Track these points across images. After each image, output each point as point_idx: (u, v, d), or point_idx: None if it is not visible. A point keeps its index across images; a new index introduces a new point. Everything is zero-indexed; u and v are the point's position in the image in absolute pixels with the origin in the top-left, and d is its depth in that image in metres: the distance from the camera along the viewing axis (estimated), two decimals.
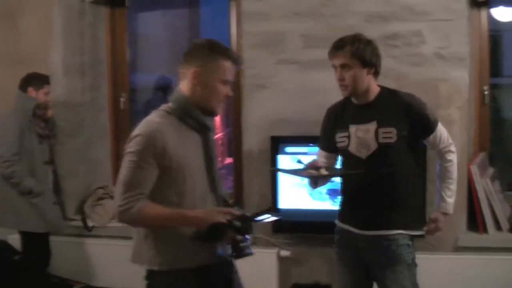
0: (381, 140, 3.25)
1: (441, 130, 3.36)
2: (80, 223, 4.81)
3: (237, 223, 2.68)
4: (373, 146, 3.26)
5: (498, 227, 4.30)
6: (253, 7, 4.36)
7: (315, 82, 4.22)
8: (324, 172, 3.20)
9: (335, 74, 3.28)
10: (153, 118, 2.77)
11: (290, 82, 4.30)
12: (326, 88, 4.21)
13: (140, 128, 2.71)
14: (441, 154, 3.38)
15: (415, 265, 3.35)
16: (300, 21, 4.30)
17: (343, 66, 3.22)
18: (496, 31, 5.55)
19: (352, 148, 3.30)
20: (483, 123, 4.60)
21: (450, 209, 3.31)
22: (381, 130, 3.25)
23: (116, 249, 4.65)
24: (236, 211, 2.76)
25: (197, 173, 2.79)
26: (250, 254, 2.79)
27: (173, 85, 5.92)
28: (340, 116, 3.39)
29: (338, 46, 3.24)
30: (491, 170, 4.46)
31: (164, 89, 5.97)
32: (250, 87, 4.40)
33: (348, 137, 3.31)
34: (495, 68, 5.49)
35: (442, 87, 4.10)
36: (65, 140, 4.93)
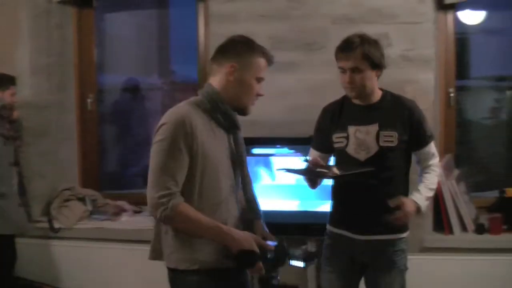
0: (382, 143, 3.26)
1: (433, 148, 3.38)
2: (46, 225, 4.76)
3: (271, 256, 2.66)
4: (374, 148, 3.27)
5: (463, 228, 4.34)
6: (221, 9, 4.35)
7: (282, 84, 4.20)
8: (336, 171, 3.14)
9: (342, 76, 3.25)
10: (181, 106, 2.71)
11: None
12: (293, 90, 4.23)
13: (166, 117, 2.64)
14: (426, 168, 3.38)
15: (406, 269, 3.40)
16: (268, 23, 4.29)
17: (354, 69, 3.21)
18: (464, 34, 5.59)
19: (351, 150, 3.29)
20: (449, 125, 4.65)
21: (422, 202, 3.23)
22: (383, 133, 3.27)
23: (82, 251, 4.62)
24: (270, 245, 2.70)
25: (223, 172, 2.73)
26: (276, 286, 2.81)
27: (141, 85, 5.91)
28: (338, 116, 3.38)
29: (348, 48, 3.21)
30: (456, 172, 4.50)
31: (132, 90, 5.94)
32: None
33: (347, 137, 3.30)
34: (463, 70, 5.53)
35: (408, 89, 4.12)
36: (31, 141, 4.87)
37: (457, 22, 4.88)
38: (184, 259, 2.67)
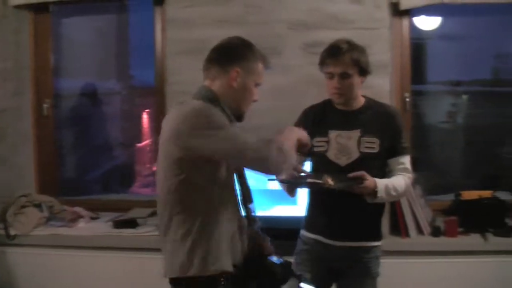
0: (363, 150, 3.27)
1: (408, 162, 3.38)
2: (2, 232, 4.70)
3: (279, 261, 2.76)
4: (355, 154, 3.28)
5: (420, 231, 4.38)
6: (178, 14, 4.34)
7: None
8: (330, 182, 3.10)
9: (329, 82, 3.27)
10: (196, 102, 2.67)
11: None
12: None
13: (191, 108, 2.61)
14: (397, 173, 3.35)
15: (378, 275, 3.43)
16: (225, 29, 4.27)
17: (342, 75, 3.22)
18: (421, 39, 5.66)
19: (331, 154, 3.29)
20: (405, 129, 4.66)
21: (381, 187, 3.17)
22: (364, 139, 3.29)
23: (39, 258, 4.56)
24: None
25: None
26: None
27: (99, 90, 5.88)
28: (319, 119, 3.38)
29: (337, 53, 3.22)
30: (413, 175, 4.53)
31: (90, 94, 5.91)
32: (174, 94, 4.36)
33: (327, 142, 3.30)
34: (420, 75, 5.60)
35: (364, 94, 4.14)
36: None
37: (414, 28, 4.93)
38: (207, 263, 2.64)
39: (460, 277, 4.27)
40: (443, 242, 4.33)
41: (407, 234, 4.35)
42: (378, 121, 3.34)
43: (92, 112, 6.08)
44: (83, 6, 5.16)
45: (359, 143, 3.28)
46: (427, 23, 5.32)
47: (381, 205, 3.44)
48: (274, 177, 3.17)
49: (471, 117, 6.18)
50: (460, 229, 4.42)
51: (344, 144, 3.27)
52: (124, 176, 6.75)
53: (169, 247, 2.70)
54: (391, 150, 3.34)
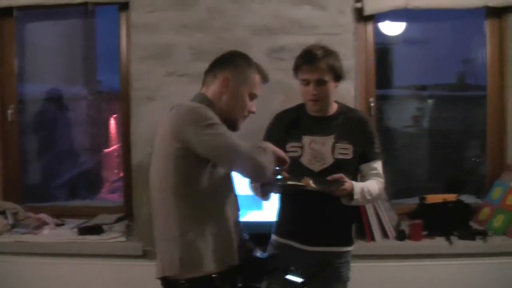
0: (338, 156, 3.28)
1: (380, 168, 3.41)
2: None
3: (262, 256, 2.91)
4: (329, 160, 3.29)
5: (385, 234, 4.40)
6: (142, 19, 4.31)
7: None
8: (312, 184, 3.11)
9: (305, 88, 3.28)
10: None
11: (179, 95, 4.24)
12: None
13: (187, 106, 2.67)
14: (370, 178, 3.37)
15: (349, 279, 3.45)
16: (189, 34, 4.28)
17: (319, 82, 3.23)
18: (386, 44, 5.71)
19: (305, 160, 3.30)
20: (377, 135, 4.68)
21: (357, 190, 3.19)
22: (338, 145, 3.30)
23: (3, 265, 4.47)
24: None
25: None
26: None
27: (65, 95, 5.84)
28: (293, 124, 3.37)
29: (313, 60, 3.22)
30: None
31: (55, 100, 5.87)
32: (138, 99, 4.34)
33: (301, 148, 3.30)
34: (385, 80, 5.64)
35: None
36: None
37: (380, 33, 4.97)
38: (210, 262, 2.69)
39: (425, 280, 4.32)
40: (408, 245, 4.36)
41: (372, 238, 4.36)
42: (351, 127, 3.36)
43: (58, 117, 6.04)
44: (48, 11, 5.09)
45: (333, 149, 3.30)
46: (392, 28, 5.35)
47: (353, 211, 3.48)
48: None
49: (436, 121, 6.25)
50: (425, 233, 4.45)
51: (318, 150, 3.28)
52: (91, 182, 6.71)
53: (163, 247, 2.74)
54: (364, 155, 3.37)
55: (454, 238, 4.38)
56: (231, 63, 2.85)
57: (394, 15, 4.81)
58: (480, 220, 4.61)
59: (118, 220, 4.67)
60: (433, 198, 4.59)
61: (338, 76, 3.29)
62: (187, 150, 2.57)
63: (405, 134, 6.18)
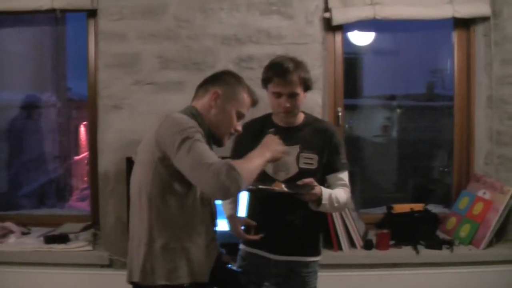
0: (302, 165, 3.28)
1: (346, 178, 3.40)
2: None
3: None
4: (293, 170, 3.29)
5: (352, 244, 4.41)
6: (110, 27, 4.29)
7: (170, 104, 4.17)
8: (284, 188, 3.12)
9: (276, 101, 3.26)
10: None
11: (146, 103, 4.26)
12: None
13: (172, 118, 2.64)
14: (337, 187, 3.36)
15: None
16: (157, 42, 4.27)
17: (291, 94, 3.23)
18: (356, 54, 5.74)
19: (269, 169, 3.30)
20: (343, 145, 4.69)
21: (325, 196, 3.18)
22: (303, 155, 3.30)
23: None
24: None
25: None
26: None
27: (35, 103, 5.79)
28: (259, 134, 3.29)
29: (285, 73, 3.20)
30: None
31: (25, 107, 5.83)
32: (105, 107, 4.32)
33: None
34: (355, 89, 5.67)
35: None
36: None
37: (350, 43, 4.99)
38: (184, 274, 2.71)
39: None
40: (375, 255, 4.38)
41: (339, 248, 4.37)
42: (317, 137, 3.37)
43: (27, 125, 5.99)
44: (17, 18, 5.05)
45: (298, 158, 3.31)
46: (362, 38, 5.39)
47: (320, 221, 3.48)
48: None
49: (405, 131, 6.29)
50: (392, 242, 4.47)
51: (283, 160, 3.24)
52: (60, 190, 6.66)
53: (132, 251, 2.75)
54: (330, 166, 3.38)
55: (421, 248, 4.40)
56: (223, 79, 2.87)
57: (363, 25, 4.83)
58: (447, 229, 4.64)
59: (84, 229, 4.63)
60: (401, 208, 4.62)
61: (307, 87, 3.30)
62: (167, 160, 2.58)
63: (374, 144, 6.20)
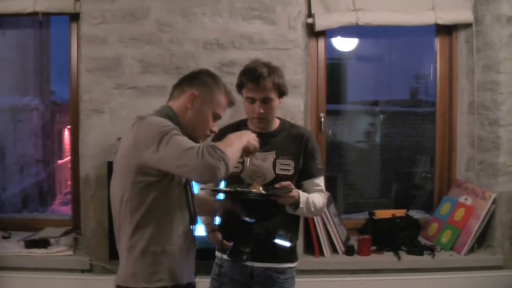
0: (279, 171, 3.25)
1: (322, 184, 3.38)
2: None
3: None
4: (270, 176, 3.25)
5: (334, 250, 4.42)
6: (92, 31, 4.28)
7: (152, 108, 4.06)
8: (262, 190, 3.09)
9: (249, 106, 3.23)
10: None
11: (127, 107, 4.25)
12: None
13: (152, 122, 2.62)
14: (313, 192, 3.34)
15: None
16: (138, 46, 4.26)
17: (265, 100, 3.20)
18: (340, 60, 5.75)
19: (245, 176, 3.26)
20: (320, 148, 4.68)
21: (303, 199, 3.16)
22: (279, 161, 3.27)
23: None
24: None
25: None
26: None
27: (17, 106, 5.77)
28: None
29: (259, 79, 3.17)
30: (327, 194, 4.56)
31: (12, 110, 5.81)
32: (87, 111, 4.31)
33: (242, 163, 3.26)
34: (339, 95, 5.67)
35: (278, 114, 4.15)
36: None
37: (333, 48, 5.00)
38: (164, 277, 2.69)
39: None
40: (356, 260, 4.39)
41: (321, 253, 4.36)
42: (292, 143, 3.34)
43: (10, 128, 5.96)
44: (1, 20, 5.03)
45: (274, 165, 3.28)
46: (346, 44, 5.40)
47: (296, 227, 3.46)
48: (204, 186, 3.25)
49: (387, 136, 6.30)
50: (374, 248, 4.47)
51: (259, 166, 3.25)
52: (43, 194, 6.64)
53: (120, 255, 2.75)
54: (306, 171, 3.35)
55: (402, 253, 4.41)
56: (200, 80, 2.83)
57: (347, 31, 4.85)
58: (429, 235, 4.65)
59: (65, 234, 4.61)
60: (382, 214, 4.63)
61: (282, 92, 3.28)
62: (145, 167, 2.56)
63: (357, 149, 6.21)
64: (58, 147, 7.05)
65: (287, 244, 3.19)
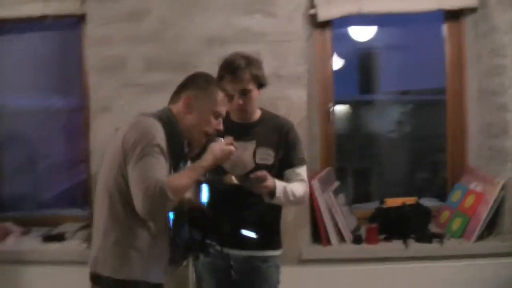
0: (259, 161, 3.33)
1: (304, 173, 3.43)
2: None
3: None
4: (250, 165, 3.33)
5: (342, 239, 4.43)
6: (97, 31, 4.41)
7: (157, 105, 4.20)
8: (235, 181, 3.20)
9: (228, 99, 3.21)
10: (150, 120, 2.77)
11: (133, 105, 4.33)
12: None
13: (140, 123, 2.75)
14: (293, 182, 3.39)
15: (279, 283, 3.48)
16: (142, 45, 4.36)
17: (243, 91, 3.29)
18: (367, 49, 5.74)
19: (226, 165, 3.31)
20: (328, 139, 4.75)
21: (279, 189, 3.22)
22: (260, 150, 3.34)
23: None
24: None
25: None
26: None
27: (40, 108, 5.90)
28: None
29: (235, 70, 3.26)
30: (336, 184, 4.59)
31: (37, 112, 5.94)
32: (95, 110, 4.46)
33: None
34: (367, 85, 5.66)
35: (280, 106, 4.18)
36: None
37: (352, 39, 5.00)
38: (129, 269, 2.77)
39: (381, 284, 4.34)
40: (364, 249, 4.39)
41: (328, 242, 4.38)
42: (273, 133, 3.40)
43: (43, 129, 6.10)
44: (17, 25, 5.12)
45: (254, 154, 3.35)
46: (364, 33, 5.39)
47: (277, 215, 3.50)
48: None
49: (418, 125, 6.24)
50: (382, 236, 4.47)
51: (240, 155, 3.30)
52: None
53: (94, 240, 2.86)
54: (287, 161, 3.40)
55: (411, 241, 4.39)
56: (193, 83, 2.93)
57: (367, 20, 4.84)
58: (441, 223, 4.62)
59: (82, 228, 4.75)
60: (392, 202, 4.62)
61: (261, 84, 3.34)
62: (124, 169, 2.66)
63: (387, 140, 6.18)
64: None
65: (252, 235, 3.23)
